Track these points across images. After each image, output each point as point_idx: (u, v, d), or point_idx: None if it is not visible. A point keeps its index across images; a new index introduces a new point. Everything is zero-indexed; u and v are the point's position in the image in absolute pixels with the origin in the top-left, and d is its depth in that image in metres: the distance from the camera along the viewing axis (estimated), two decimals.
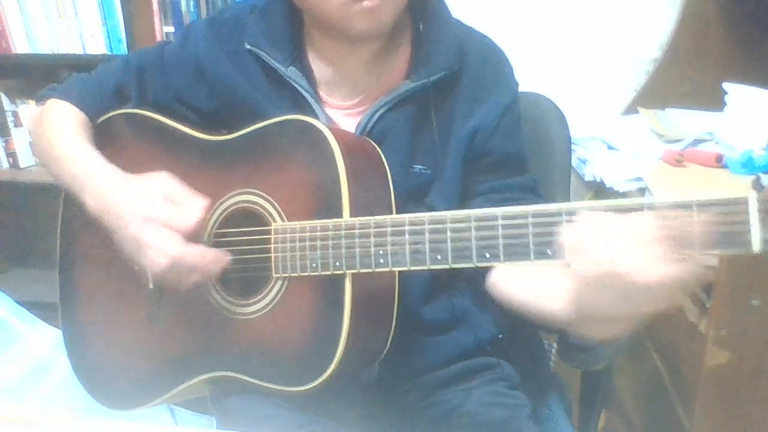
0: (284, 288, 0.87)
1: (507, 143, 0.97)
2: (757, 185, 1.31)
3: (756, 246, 0.57)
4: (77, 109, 1.02)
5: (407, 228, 0.76)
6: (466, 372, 0.99)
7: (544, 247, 0.66)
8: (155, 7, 1.82)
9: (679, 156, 1.47)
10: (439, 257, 0.74)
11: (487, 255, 0.70)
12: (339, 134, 0.87)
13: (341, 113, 0.98)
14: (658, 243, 0.57)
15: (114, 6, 1.84)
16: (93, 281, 1.05)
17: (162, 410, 1.45)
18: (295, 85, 0.95)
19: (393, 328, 0.88)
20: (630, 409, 1.59)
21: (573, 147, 1.28)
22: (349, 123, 0.96)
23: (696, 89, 1.70)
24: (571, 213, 0.65)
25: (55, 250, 1.10)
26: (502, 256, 0.69)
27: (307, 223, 0.84)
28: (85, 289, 1.07)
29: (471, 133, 0.96)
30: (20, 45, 1.90)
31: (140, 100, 1.05)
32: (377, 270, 0.79)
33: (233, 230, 0.92)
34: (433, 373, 0.99)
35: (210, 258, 0.85)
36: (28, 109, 2.01)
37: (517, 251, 0.68)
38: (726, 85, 1.59)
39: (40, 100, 1.06)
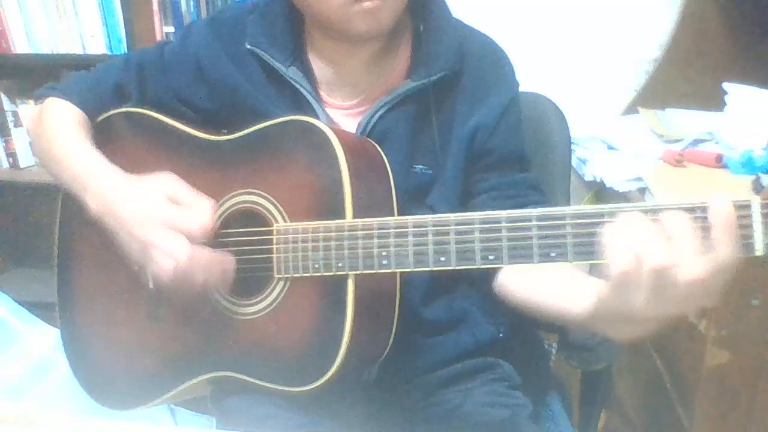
0: (286, 288, 0.87)
1: (508, 142, 0.97)
2: (757, 185, 1.31)
3: (759, 249, 0.58)
4: (77, 108, 1.02)
5: (410, 230, 0.76)
6: (466, 372, 0.99)
7: (548, 250, 0.67)
8: (155, 7, 1.82)
9: (679, 156, 1.47)
10: (443, 259, 0.74)
11: (491, 257, 0.71)
12: (341, 135, 0.87)
13: (342, 113, 0.98)
14: (696, 239, 0.58)
15: (114, 6, 1.84)
16: (92, 281, 1.05)
17: (162, 410, 1.44)
18: (296, 85, 0.95)
19: (394, 328, 0.88)
20: (630, 409, 1.59)
21: (573, 147, 1.28)
22: (350, 123, 0.96)
23: (696, 89, 1.70)
24: (575, 216, 0.65)
25: (55, 250, 1.09)
26: (505, 258, 0.69)
27: (310, 224, 0.84)
28: (84, 289, 1.06)
29: (471, 133, 0.96)
30: (20, 45, 1.90)
31: (140, 99, 1.04)
32: (380, 271, 0.79)
33: (235, 230, 0.91)
34: (434, 374, 0.99)
35: (217, 262, 0.84)
36: (27, 109, 2.01)
37: (521, 254, 0.69)
38: (726, 85, 1.60)
39: (39, 98, 1.05)
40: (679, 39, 1.70)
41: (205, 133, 0.99)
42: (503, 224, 0.69)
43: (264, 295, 0.88)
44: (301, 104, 0.96)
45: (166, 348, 0.97)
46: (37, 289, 1.86)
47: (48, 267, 1.10)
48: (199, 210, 0.83)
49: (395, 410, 0.98)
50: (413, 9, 0.95)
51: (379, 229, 0.78)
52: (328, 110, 0.97)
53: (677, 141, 1.55)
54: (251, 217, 0.91)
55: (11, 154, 2.01)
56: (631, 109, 1.75)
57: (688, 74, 1.71)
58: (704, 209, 0.59)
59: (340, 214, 0.82)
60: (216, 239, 0.92)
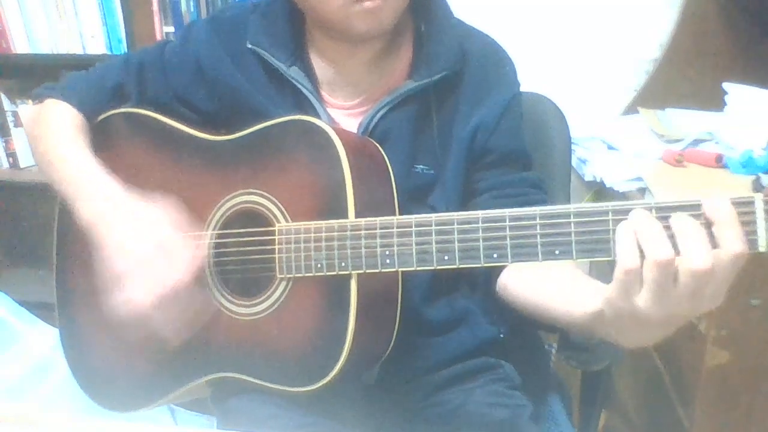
0: (288, 288, 0.86)
1: (509, 141, 0.98)
2: (758, 185, 1.31)
3: (763, 245, 0.59)
4: (76, 111, 1.01)
5: (414, 229, 0.76)
6: (467, 372, 0.99)
7: (552, 247, 0.67)
8: (155, 7, 1.82)
9: (679, 156, 1.48)
10: (446, 257, 0.74)
11: (495, 255, 0.71)
12: (343, 135, 0.87)
13: (343, 113, 0.98)
14: (698, 234, 0.58)
15: (114, 6, 1.84)
16: (89, 283, 1.04)
17: (162, 410, 1.45)
18: (298, 85, 0.95)
19: (396, 328, 0.88)
20: (630, 409, 1.60)
21: (573, 147, 1.28)
22: (351, 123, 0.97)
23: (696, 89, 1.70)
24: (578, 214, 0.65)
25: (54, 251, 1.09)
26: (509, 257, 0.70)
27: (312, 224, 0.83)
28: (83, 291, 1.05)
29: (472, 132, 0.96)
30: (20, 45, 1.90)
31: (140, 99, 1.04)
32: (383, 270, 0.78)
33: (236, 231, 0.91)
34: (435, 374, 0.99)
35: (173, 318, 0.83)
36: (26, 109, 2.01)
37: (525, 252, 0.69)
38: (726, 85, 1.60)
39: (37, 98, 1.05)
40: (679, 39, 1.70)
41: (206, 133, 0.99)
42: (507, 222, 0.70)
43: (266, 295, 0.88)
44: (302, 104, 0.96)
45: (166, 349, 0.97)
46: (37, 289, 1.85)
47: (48, 267, 1.10)
48: (182, 261, 0.82)
49: (396, 410, 0.98)
50: (414, 9, 0.95)
51: (382, 228, 0.78)
52: (329, 110, 0.97)
53: (677, 141, 1.55)
54: (253, 218, 0.90)
55: (11, 154, 2.01)
56: (631, 109, 1.76)
57: (688, 74, 1.71)
58: (699, 206, 0.60)
59: (342, 213, 0.82)
60: (217, 239, 0.92)
